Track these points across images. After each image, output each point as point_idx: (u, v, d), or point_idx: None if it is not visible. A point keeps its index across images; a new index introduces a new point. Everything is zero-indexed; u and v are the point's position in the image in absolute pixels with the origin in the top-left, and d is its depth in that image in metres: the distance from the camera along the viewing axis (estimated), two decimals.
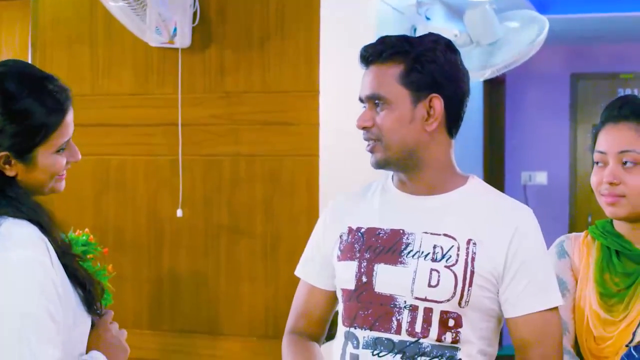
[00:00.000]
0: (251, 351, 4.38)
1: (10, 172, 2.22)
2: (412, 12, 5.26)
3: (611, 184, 2.54)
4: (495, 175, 8.85)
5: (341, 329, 2.47)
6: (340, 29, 4.42)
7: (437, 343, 2.34)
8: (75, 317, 2.22)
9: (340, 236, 2.52)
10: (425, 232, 2.40)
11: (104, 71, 4.61)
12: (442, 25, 5.69)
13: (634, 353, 2.48)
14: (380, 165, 2.44)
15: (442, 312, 2.34)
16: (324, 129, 4.22)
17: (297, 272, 2.68)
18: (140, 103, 4.55)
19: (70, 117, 2.27)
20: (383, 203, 2.51)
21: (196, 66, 4.44)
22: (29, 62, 4.72)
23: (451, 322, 2.34)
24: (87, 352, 2.27)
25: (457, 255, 2.36)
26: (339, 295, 2.52)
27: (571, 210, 9.08)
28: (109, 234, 4.53)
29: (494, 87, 8.59)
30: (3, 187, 2.21)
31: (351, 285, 2.44)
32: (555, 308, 2.41)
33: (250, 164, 4.37)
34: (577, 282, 2.64)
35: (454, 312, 2.34)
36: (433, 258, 2.36)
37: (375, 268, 2.41)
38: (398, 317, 2.36)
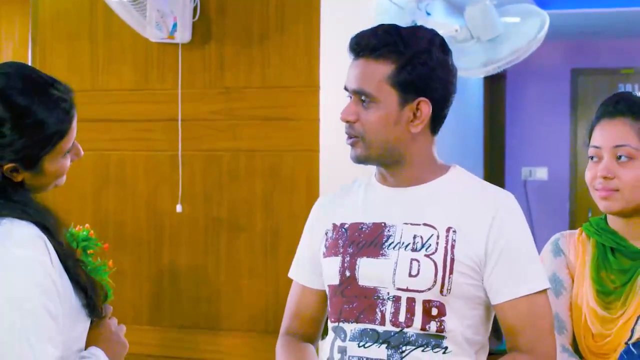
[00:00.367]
0: (251, 346, 4.38)
1: (17, 178, 2.22)
2: (412, 7, 5.26)
3: (605, 178, 2.54)
4: (495, 170, 8.86)
5: (330, 325, 2.48)
6: (341, 24, 4.42)
7: (422, 332, 2.33)
8: (75, 316, 2.21)
9: (326, 233, 2.53)
10: (406, 223, 2.39)
11: (104, 67, 4.60)
12: (442, 21, 5.68)
13: (633, 350, 2.49)
14: (359, 160, 2.43)
15: (425, 302, 2.33)
16: (324, 124, 4.22)
17: (290, 274, 2.71)
18: (140, 98, 4.55)
19: (75, 121, 2.26)
20: (366, 198, 2.51)
21: (196, 62, 4.43)
22: (29, 57, 4.73)
23: (434, 311, 2.33)
24: (86, 348, 2.27)
25: (437, 243, 2.34)
26: (327, 291, 2.52)
27: (571, 206, 9.09)
28: (109, 230, 4.53)
29: (494, 82, 8.59)
30: (10, 192, 2.21)
31: (336, 281, 2.44)
32: (543, 292, 2.38)
33: (250, 159, 4.36)
34: (573, 279, 2.64)
35: (437, 301, 2.33)
36: (413, 248, 2.36)
37: (358, 262, 2.40)
38: (382, 308, 2.36)
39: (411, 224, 2.39)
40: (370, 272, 2.38)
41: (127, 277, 4.47)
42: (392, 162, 2.42)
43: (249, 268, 4.38)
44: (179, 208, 4.40)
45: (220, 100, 4.41)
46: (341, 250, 2.45)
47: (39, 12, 4.72)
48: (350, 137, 2.43)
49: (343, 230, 2.48)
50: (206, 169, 4.44)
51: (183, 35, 4.31)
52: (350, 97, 2.43)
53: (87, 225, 3.79)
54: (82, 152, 2.35)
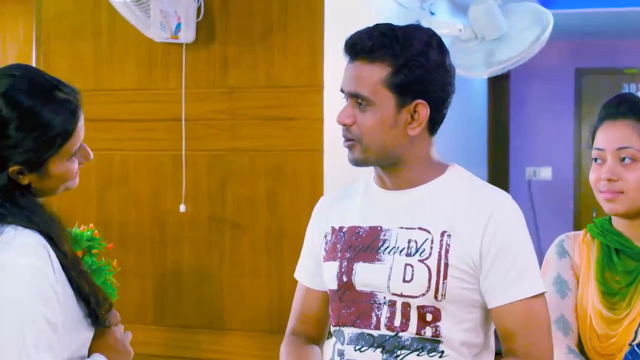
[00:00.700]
0: (255, 346, 4.38)
1: (24, 181, 2.21)
2: (416, 7, 5.26)
3: (609, 180, 2.54)
4: (499, 170, 8.86)
5: (331, 328, 2.49)
6: (344, 23, 4.42)
7: (417, 336, 2.31)
8: (77, 325, 2.21)
9: (325, 236, 2.52)
10: (401, 227, 2.36)
11: (107, 66, 4.60)
12: (446, 20, 5.69)
13: (637, 350, 2.48)
14: (357, 163, 2.41)
15: (419, 307, 2.30)
16: (328, 124, 4.21)
17: (295, 274, 2.70)
18: (144, 98, 4.55)
19: (81, 122, 2.25)
20: (364, 201, 2.48)
21: (200, 61, 4.43)
22: (33, 57, 4.73)
23: (429, 317, 2.30)
24: (89, 356, 2.27)
25: (431, 248, 2.31)
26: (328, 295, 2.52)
27: (576, 205, 9.09)
28: (113, 229, 4.53)
29: (498, 82, 8.59)
30: (16, 197, 2.20)
31: (334, 286, 2.43)
32: (540, 295, 2.33)
33: (253, 159, 4.36)
34: (578, 280, 2.64)
35: (431, 306, 2.30)
36: (407, 253, 2.33)
37: (354, 267, 2.38)
38: (377, 313, 2.34)
39: (406, 228, 2.36)
40: (367, 277, 2.36)
41: (131, 276, 4.47)
42: (389, 164, 2.39)
43: (253, 268, 4.37)
44: (182, 208, 4.39)
45: (223, 100, 4.41)
46: (339, 254, 2.43)
47: (42, 12, 4.72)
48: (347, 140, 2.42)
49: (341, 234, 2.46)
50: (210, 169, 4.44)
51: (187, 35, 4.31)
52: (347, 99, 2.41)
53: (91, 225, 3.82)
54: (92, 155, 2.34)
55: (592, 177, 2.60)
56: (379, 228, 2.39)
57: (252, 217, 4.37)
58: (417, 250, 2.32)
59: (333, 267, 2.43)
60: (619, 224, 2.61)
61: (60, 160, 2.22)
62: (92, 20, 4.62)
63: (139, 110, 4.55)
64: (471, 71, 5.11)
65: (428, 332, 2.30)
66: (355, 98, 2.37)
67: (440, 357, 2.31)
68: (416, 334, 2.30)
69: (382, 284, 2.33)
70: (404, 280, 2.30)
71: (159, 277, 4.54)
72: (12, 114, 2.14)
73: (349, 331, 2.39)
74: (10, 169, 2.18)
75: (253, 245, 4.37)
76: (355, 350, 2.37)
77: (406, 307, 2.31)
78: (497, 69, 5.04)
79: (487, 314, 2.37)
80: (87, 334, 2.25)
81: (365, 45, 2.34)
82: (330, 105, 4.22)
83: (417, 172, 2.39)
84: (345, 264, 2.40)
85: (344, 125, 2.40)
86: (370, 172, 2.51)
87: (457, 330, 2.32)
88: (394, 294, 2.32)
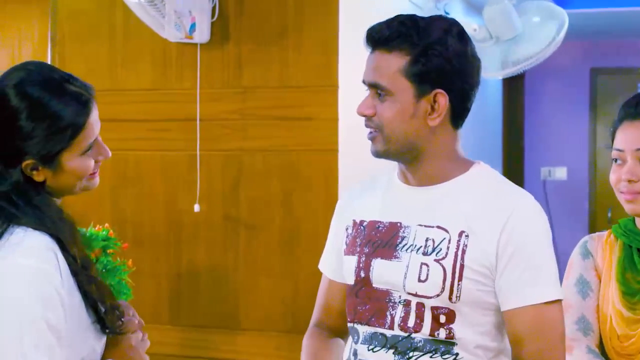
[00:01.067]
0: (270, 346, 4.38)
1: (38, 178, 2.21)
2: (430, 7, 5.26)
3: (630, 181, 2.53)
4: (514, 170, 8.85)
5: (348, 324, 2.46)
6: (359, 23, 4.41)
7: (431, 338, 2.27)
8: (86, 330, 2.20)
9: (347, 229, 2.50)
10: (420, 225, 2.32)
11: (122, 66, 4.61)
12: (460, 20, 5.68)
13: None
14: (379, 155, 2.37)
15: (433, 308, 2.26)
16: (343, 123, 4.21)
17: (319, 265, 2.66)
18: (158, 98, 4.55)
19: (94, 117, 2.25)
20: (386, 195, 2.45)
21: (214, 61, 4.43)
22: (49, 56, 4.74)
23: (443, 318, 2.26)
24: None
25: (448, 248, 2.26)
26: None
27: (591, 205, 9.06)
28: (127, 229, 4.53)
29: (513, 82, 8.57)
30: (30, 195, 2.20)
31: (351, 281, 2.41)
32: (556, 302, 2.25)
33: (268, 159, 4.36)
34: (601, 281, 2.63)
35: (445, 308, 2.25)
36: (424, 251, 2.29)
37: (372, 263, 2.36)
38: (392, 312, 2.31)
39: (425, 226, 2.32)
40: (384, 274, 2.33)
41: (146, 276, 4.47)
42: (411, 157, 2.34)
43: (268, 267, 4.37)
44: (196, 208, 4.39)
45: (238, 100, 4.41)
46: (358, 249, 2.41)
47: (57, 12, 4.73)
48: (369, 130, 2.36)
49: (362, 227, 2.43)
50: (224, 169, 4.44)
51: (202, 35, 4.31)
52: (367, 91, 2.38)
53: (106, 224, 3.83)
54: (110, 153, 2.34)
55: (612, 177, 2.59)
56: (399, 224, 2.36)
57: (266, 217, 4.37)
58: (433, 250, 2.28)
59: (352, 261, 2.41)
60: None
61: (73, 154, 2.22)
62: (107, 20, 4.63)
63: (154, 110, 4.55)
64: (486, 72, 5.09)
65: (442, 333, 2.27)
66: (375, 88, 2.33)
67: (455, 359, 2.27)
68: (429, 335, 2.27)
69: (398, 282, 2.30)
70: (419, 280, 2.27)
71: (174, 277, 4.54)
72: (22, 105, 2.15)
73: (363, 329, 2.37)
74: (24, 163, 2.18)
75: (267, 245, 4.37)
76: (369, 351, 2.35)
77: (420, 307, 2.28)
78: (512, 69, 5.03)
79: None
80: (96, 340, 2.24)
81: (383, 34, 2.31)
82: (344, 105, 4.22)
83: (439, 167, 2.35)
84: (363, 259, 2.38)
85: (364, 116, 2.36)
86: (394, 167, 2.49)
87: (472, 332, 2.27)
88: (409, 293, 2.28)
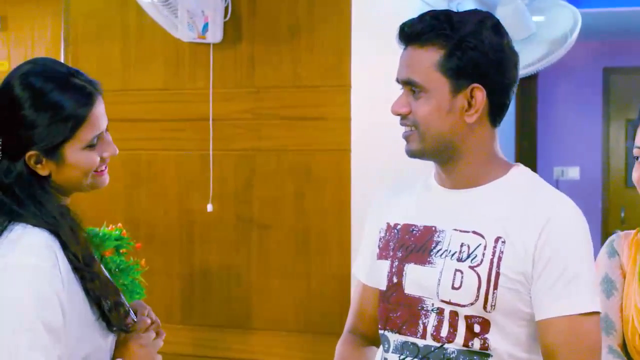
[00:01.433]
0: (282, 346, 4.38)
1: (43, 172, 2.22)
2: (443, 6, 5.24)
3: None
4: None
5: (379, 330, 2.37)
6: (371, 22, 4.41)
7: (465, 348, 2.18)
8: (91, 328, 2.20)
9: (380, 232, 2.40)
10: (455, 229, 2.23)
11: (135, 66, 4.62)
12: None
13: None
14: (414, 155, 2.27)
15: (467, 317, 2.17)
16: (356, 123, 4.21)
17: (352, 270, 2.62)
18: (171, 98, 4.56)
19: (98, 110, 2.24)
20: (421, 198, 2.36)
21: (227, 61, 4.44)
22: (62, 56, 4.75)
23: (477, 328, 2.17)
24: None
25: (483, 254, 2.16)
26: None
27: (604, 205, 9.04)
28: (140, 229, 4.54)
29: (526, 81, 8.55)
30: (33, 188, 2.21)
31: (383, 286, 2.32)
32: (592, 314, 2.13)
33: (280, 158, 4.36)
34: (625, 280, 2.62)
35: (479, 317, 2.16)
36: (459, 257, 2.19)
37: (405, 268, 2.27)
38: (424, 321, 2.22)
39: (460, 231, 2.22)
40: (417, 280, 2.24)
41: (158, 276, 4.48)
42: (447, 157, 2.25)
43: (280, 267, 4.38)
44: (209, 207, 4.40)
45: (250, 100, 4.41)
46: (391, 253, 2.32)
47: (70, 12, 4.74)
48: (405, 128, 2.27)
49: (395, 231, 2.34)
50: (237, 169, 4.44)
51: (214, 35, 4.31)
52: (402, 90, 2.27)
53: (119, 224, 3.83)
54: (117, 150, 2.34)
55: (634, 175, 2.57)
56: (434, 228, 2.27)
57: (279, 217, 4.38)
58: (468, 256, 2.19)
59: (384, 266, 2.33)
60: None
61: (76, 146, 2.22)
62: (120, 20, 4.64)
63: (166, 110, 4.56)
64: None
65: (476, 344, 2.17)
66: (409, 86, 2.23)
67: None
68: (463, 345, 2.18)
69: (431, 289, 2.21)
70: (453, 287, 2.18)
71: (186, 276, 4.55)
72: (25, 94, 2.17)
73: (394, 338, 2.29)
74: (27, 155, 2.19)
75: (280, 245, 4.37)
76: None
77: (454, 316, 2.19)
78: (525, 70, 5.02)
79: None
80: (102, 338, 2.24)
81: (416, 29, 2.22)
82: (357, 104, 4.22)
83: (477, 169, 2.27)
84: (396, 263, 2.29)
85: (399, 114, 2.26)
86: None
87: (507, 343, 2.18)
88: (442, 301, 2.19)
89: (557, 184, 8.98)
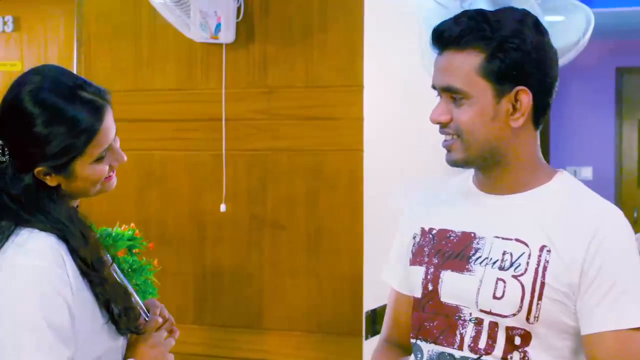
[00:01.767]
0: (294, 346, 4.38)
1: (51, 182, 2.22)
2: (455, 6, 5.23)
3: None
4: None
5: (410, 340, 2.30)
6: (384, 22, 4.41)
7: None
8: (96, 331, 2.20)
9: (414, 237, 2.34)
10: (497, 237, 2.16)
11: (147, 66, 4.62)
12: None
13: None
14: (457, 164, 2.20)
15: (508, 328, 2.09)
16: (368, 123, 4.20)
17: (383, 276, 2.50)
18: (183, 98, 4.56)
19: (107, 123, 2.22)
20: (458, 202, 2.29)
21: (240, 61, 4.43)
22: (74, 56, 4.75)
23: (518, 340, 2.09)
24: None
25: (527, 263, 2.09)
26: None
27: (616, 205, 9.01)
28: (153, 229, 4.54)
29: None
30: (41, 198, 2.20)
31: (418, 294, 2.26)
32: None
33: (293, 158, 4.36)
34: None
35: (521, 329, 2.09)
36: (501, 266, 2.12)
37: (441, 275, 2.20)
38: (462, 331, 2.15)
39: (502, 238, 2.15)
40: (454, 288, 2.17)
41: (171, 276, 4.48)
42: (493, 163, 2.18)
43: (292, 267, 4.37)
44: (222, 208, 4.40)
45: (263, 100, 4.41)
46: (426, 259, 2.25)
47: (83, 13, 4.75)
48: (445, 137, 2.19)
49: (430, 236, 2.28)
50: (249, 169, 4.44)
51: (227, 35, 4.31)
52: (439, 96, 2.20)
53: (132, 224, 3.84)
54: (125, 158, 2.33)
55: None
56: (472, 235, 2.20)
57: (291, 217, 4.37)
58: (511, 265, 2.11)
59: (419, 272, 2.26)
60: None
61: (86, 161, 2.21)
62: (132, 20, 4.64)
63: (179, 110, 4.56)
64: None
65: (515, 357, 2.10)
66: (449, 92, 2.15)
67: None
68: (502, 358, 2.10)
69: (469, 297, 2.14)
70: (494, 297, 2.11)
71: (199, 276, 4.55)
72: (35, 111, 2.15)
73: (428, 348, 2.22)
74: (36, 170, 2.18)
75: (292, 245, 4.37)
76: None
77: (494, 326, 2.11)
78: None
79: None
80: (113, 340, 2.24)
81: (453, 32, 2.12)
82: (369, 104, 4.22)
83: (521, 174, 2.20)
84: (431, 270, 2.22)
85: (439, 123, 2.17)
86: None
87: (548, 357, 2.11)
88: (481, 311, 2.13)
89: None
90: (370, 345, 4.16)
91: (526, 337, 2.09)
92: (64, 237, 2.15)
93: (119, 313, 2.22)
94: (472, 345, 2.13)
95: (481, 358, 2.12)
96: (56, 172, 2.19)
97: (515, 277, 2.10)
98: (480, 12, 2.14)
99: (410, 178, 4.42)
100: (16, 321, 2.05)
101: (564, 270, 2.07)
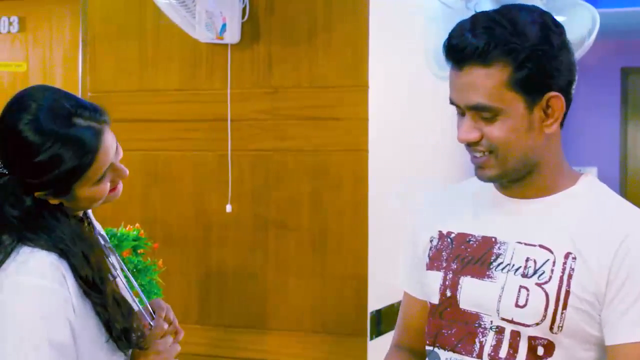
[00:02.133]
0: (298, 346, 4.38)
1: (53, 202, 2.22)
2: (461, 7, 5.23)
3: None
4: None
5: (426, 347, 2.24)
6: (389, 23, 4.41)
7: None
8: (98, 349, 2.20)
9: (431, 241, 2.26)
10: (519, 242, 2.08)
11: (152, 66, 4.62)
12: None
13: None
14: (492, 180, 2.11)
15: (531, 338, 2.03)
16: (373, 124, 4.20)
17: (399, 282, 2.43)
18: (189, 98, 4.56)
19: (105, 146, 2.20)
20: (479, 205, 2.21)
21: (245, 62, 4.43)
22: (79, 57, 4.76)
23: (540, 350, 2.02)
24: None
25: (552, 271, 2.02)
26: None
27: None
28: (158, 229, 4.54)
29: None
30: (43, 218, 2.19)
31: (435, 300, 2.19)
32: None
33: (298, 159, 4.36)
34: None
35: (544, 339, 2.02)
36: (524, 273, 2.04)
37: (460, 281, 2.13)
38: (482, 339, 2.08)
39: (525, 244, 2.07)
40: (474, 295, 2.11)
41: (176, 276, 4.48)
42: (526, 172, 2.10)
43: (297, 267, 4.37)
44: (228, 208, 4.39)
45: (268, 100, 4.41)
46: (444, 264, 2.18)
47: (88, 13, 4.75)
48: (476, 154, 2.08)
49: (448, 240, 2.20)
50: (254, 169, 4.44)
51: (232, 36, 4.31)
52: (460, 113, 2.09)
53: (137, 224, 3.84)
54: (127, 172, 2.33)
55: None
56: (494, 239, 2.12)
57: (295, 217, 4.37)
58: (535, 272, 2.04)
59: (436, 277, 2.19)
60: None
61: (86, 184, 2.20)
62: (137, 21, 4.64)
63: (184, 110, 4.56)
64: None
65: None
66: (476, 110, 2.03)
67: None
68: None
69: (490, 305, 2.07)
70: (517, 305, 2.04)
71: (203, 276, 4.55)
72: (37, 139, 2.12)
73: (446, 356, 2.15)
74: (37, 194, 2.18)
75: (297, 245, 4.37)
76: None
77: (515, 336, 2.04)
78: None
79: (604, 355, 2.06)
80: (116, 356, 2.24)
81: (477, 46, 1.99)
82: (374, 105, 4.21)
83: (549, 178, 2.12)
84: (450, 276, 2.16)
85: (468, 142, 2.06)
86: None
87: None
88: (503, 319, 2.06)
89: None
90: (374, 346, 4.16)
91: (549, 348, 2.03)
92: (65, 256, 2.15)
93: (119, 336, 2.20)
94: (492, 354, 2.07)
95: None
96: (56, 196, 2.19)
97: (539, 285, 2.03)
98: (494, 20, 2.01)
99: (415, 178, 4.42)
100: (19, 340, 2.05)
101: (590, 279, 2.00)
